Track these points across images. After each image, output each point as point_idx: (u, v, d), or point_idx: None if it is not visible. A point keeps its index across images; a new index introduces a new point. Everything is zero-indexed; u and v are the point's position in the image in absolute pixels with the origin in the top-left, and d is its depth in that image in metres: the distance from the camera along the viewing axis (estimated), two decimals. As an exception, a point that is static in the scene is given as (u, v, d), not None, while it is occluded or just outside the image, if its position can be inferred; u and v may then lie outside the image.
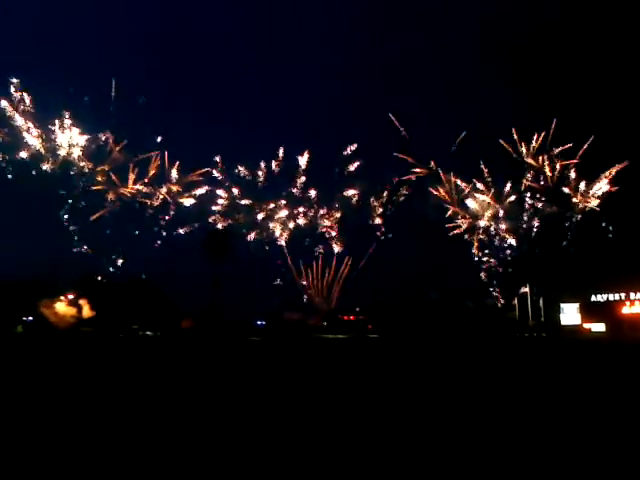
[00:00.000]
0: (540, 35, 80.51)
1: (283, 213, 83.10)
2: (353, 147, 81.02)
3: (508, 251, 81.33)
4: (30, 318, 75.70)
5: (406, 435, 11.19)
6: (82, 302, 76.13)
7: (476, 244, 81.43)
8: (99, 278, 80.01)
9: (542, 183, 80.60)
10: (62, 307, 75.31)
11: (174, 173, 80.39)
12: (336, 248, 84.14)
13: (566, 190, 79.78)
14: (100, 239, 78.47)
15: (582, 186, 79.13)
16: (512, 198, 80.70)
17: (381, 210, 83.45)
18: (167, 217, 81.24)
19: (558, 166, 79.62)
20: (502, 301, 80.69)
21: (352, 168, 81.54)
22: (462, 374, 24.35)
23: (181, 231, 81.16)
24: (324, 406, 14.81)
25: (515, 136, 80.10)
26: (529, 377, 23.11)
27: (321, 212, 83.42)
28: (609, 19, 79.48)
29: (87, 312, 76.63)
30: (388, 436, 11.10)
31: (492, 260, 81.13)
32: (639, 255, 69.04)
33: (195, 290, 78.37)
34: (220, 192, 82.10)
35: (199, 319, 77.54)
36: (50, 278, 75.53)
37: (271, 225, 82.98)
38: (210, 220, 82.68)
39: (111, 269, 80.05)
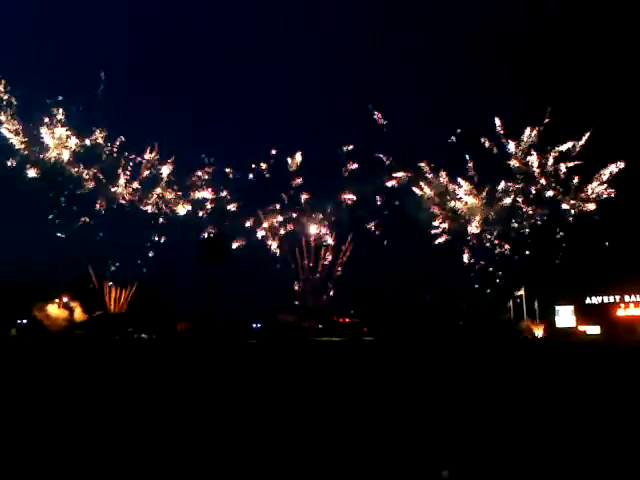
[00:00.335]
0: (539, 36, 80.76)
1: (275, 218, 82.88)
2: (349, 148, 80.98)
3: (499, 255, 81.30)
4: (24, 321, 75.42)
5: (402, 437, 11.16)
6: (76, 305, 75.87)
7: (467, 252, 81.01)
8: (94, 281, 79.57)
9: (535, 185, 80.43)
10: (56, 310, 75.04)
11: (166, 175, 79.91)
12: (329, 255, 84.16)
13: (560, 191, 79.66)
14: (95, 242, 78.06)
15: (575, 185, 79.12)
16: (507, 201, 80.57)
17: (374, 213, 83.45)
18: (161, 220, 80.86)
19: (551, 159, 79.24)
20: (497, 304, 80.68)
21: (348, 171, 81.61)
22: (457, 377, 24.32)
23: (174, 235, 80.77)
24: (318, 411, 14.77)
25: (504, 139, 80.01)
26: (524, 380, 23.10)
27: (314, 216, 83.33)
28: (608, 20, 79.65)
29: (81, 315, 76.37)
30: (383, 438, 11.07)
31: (482, 262, 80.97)
32: (634, 258, 69.19)
33: (192, 292, 78.42)
34: (210, 195, 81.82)
35: (195, 321, 77.41)
36: (46, 281, 75.36)
37: (260, 234, 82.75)
38: (205, 226, 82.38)
39: (107, 272, 79.74)
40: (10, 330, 73.11)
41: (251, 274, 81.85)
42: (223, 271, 78.60)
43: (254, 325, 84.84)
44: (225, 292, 77.50)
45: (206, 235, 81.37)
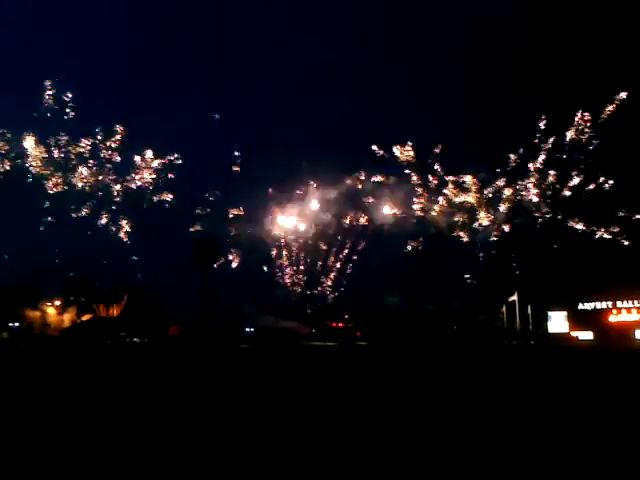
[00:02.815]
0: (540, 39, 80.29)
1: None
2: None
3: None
4: (16, 324, 75.19)
5: (394, 442, 11.11)
6: (69, 308, 75.55)
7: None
8: (86, 284, 79.12)
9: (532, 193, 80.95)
10: (47, 313, 74.77)
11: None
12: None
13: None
14: (87, 245, 77.66)
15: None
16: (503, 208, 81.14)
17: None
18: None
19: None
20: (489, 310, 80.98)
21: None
22: (452, 383, 24.28)
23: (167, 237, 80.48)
24: (311, 415, 14.74)
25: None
26: (520, 385, 23.10)
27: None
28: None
29: (73, 319, 76.05)
30: (376, 443, 11.04)
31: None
32: (626, 264, 69.58)
33: (184, 295, 78.11)
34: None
35: (188, 326, 77.16)
36: (37, 285, 74.99)
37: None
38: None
39: (99, 275, 79.36)
40: (1, 333, 72.88)
41: (245, 279, 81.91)
42: (217, 275, 78.73)
43: (247, 329, 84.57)
44: (218, 296, 77.40)
45: (199, 240, 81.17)
